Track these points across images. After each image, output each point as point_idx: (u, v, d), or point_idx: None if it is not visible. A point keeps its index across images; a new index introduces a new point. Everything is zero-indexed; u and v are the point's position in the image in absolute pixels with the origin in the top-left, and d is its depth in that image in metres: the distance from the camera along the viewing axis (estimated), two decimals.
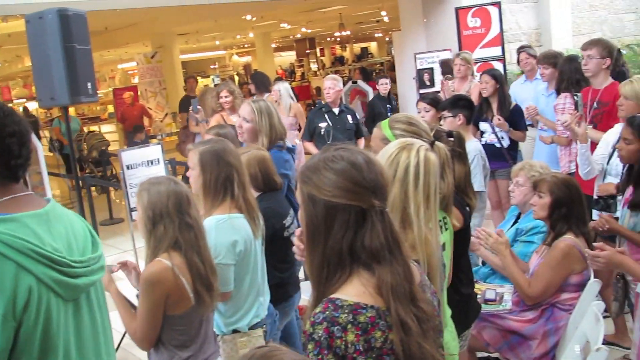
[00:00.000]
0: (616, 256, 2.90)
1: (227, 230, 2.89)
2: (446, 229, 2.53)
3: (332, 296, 1.53)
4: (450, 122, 4.50)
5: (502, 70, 7.73)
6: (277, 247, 3.37)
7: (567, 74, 5.37)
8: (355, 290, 1.54)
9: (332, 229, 1.55)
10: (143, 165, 5.27)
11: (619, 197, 3.82)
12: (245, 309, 3.03)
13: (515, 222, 4.17)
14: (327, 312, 1.50)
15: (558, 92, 5.47)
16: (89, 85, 4.75)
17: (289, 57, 30.57)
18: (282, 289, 3.48)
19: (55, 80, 4.57)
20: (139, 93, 15.34)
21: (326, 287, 1.56)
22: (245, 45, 26.97)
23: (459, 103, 4.65)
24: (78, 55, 4.61)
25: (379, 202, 1.57)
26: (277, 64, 26.67)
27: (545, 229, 3.69)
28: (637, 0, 12.18)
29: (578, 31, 10.92)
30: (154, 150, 5.44)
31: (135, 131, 11.79)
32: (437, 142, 2.58)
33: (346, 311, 1.50)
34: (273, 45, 25.21)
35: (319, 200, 1.56)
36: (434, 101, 4.95)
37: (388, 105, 8.98)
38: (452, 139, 2.90)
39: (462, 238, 2.77)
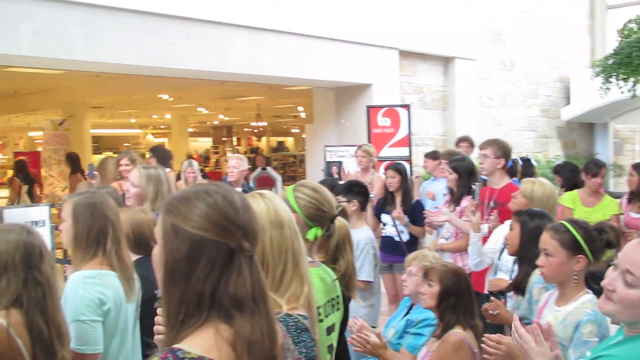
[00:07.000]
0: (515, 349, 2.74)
1: (95, 287, 2.63)
2: (337, 309, 2.41)
3: (175, 346, 1.36)
4: (345, 207, 4.51)
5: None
6: (146, 318, 3.09)
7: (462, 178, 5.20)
8: (203, 342, 1.38)
9: (195, 267, 1.38)
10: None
11: (509, 294, 3.82)
12: None
13: (407, 313, 4.09)
14: None
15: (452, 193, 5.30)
16: None
17: (205, 143, 30.57)
18: None
19: None
20: (41, 159, 14.72)
21: (180, 330, 1.39)
22: (162, 127, 26.78)
23: (354, 189, 4.82)
24: None
25: (249, 245, 1.43)
26: (193, 148, 26.55)
27: (435, 322, 3.62)
28: (536, 120, 12.98)
29: None
30: (40, 211, 5.07)
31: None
32: (338, 217, 2.54)
33: None
34: (190, 130, 25.16)
35: (184, 232, 1.40)
36: (330, 186, 4.95)
37: None
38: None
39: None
